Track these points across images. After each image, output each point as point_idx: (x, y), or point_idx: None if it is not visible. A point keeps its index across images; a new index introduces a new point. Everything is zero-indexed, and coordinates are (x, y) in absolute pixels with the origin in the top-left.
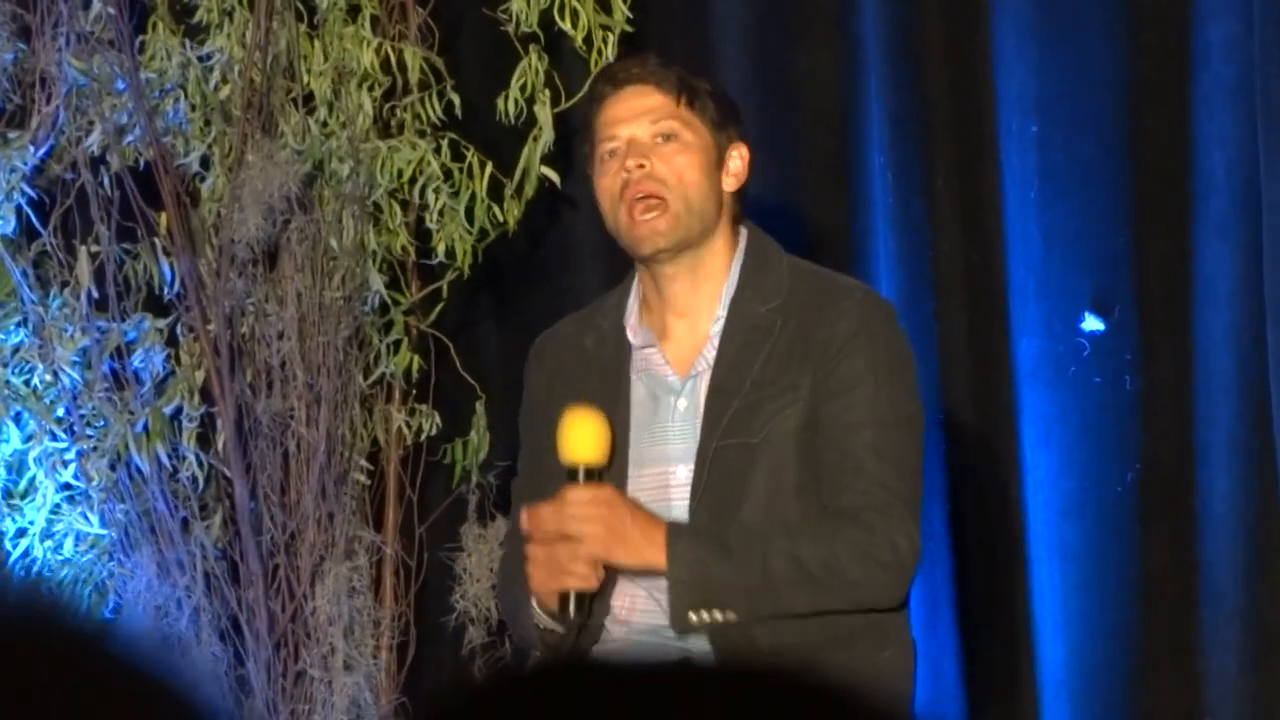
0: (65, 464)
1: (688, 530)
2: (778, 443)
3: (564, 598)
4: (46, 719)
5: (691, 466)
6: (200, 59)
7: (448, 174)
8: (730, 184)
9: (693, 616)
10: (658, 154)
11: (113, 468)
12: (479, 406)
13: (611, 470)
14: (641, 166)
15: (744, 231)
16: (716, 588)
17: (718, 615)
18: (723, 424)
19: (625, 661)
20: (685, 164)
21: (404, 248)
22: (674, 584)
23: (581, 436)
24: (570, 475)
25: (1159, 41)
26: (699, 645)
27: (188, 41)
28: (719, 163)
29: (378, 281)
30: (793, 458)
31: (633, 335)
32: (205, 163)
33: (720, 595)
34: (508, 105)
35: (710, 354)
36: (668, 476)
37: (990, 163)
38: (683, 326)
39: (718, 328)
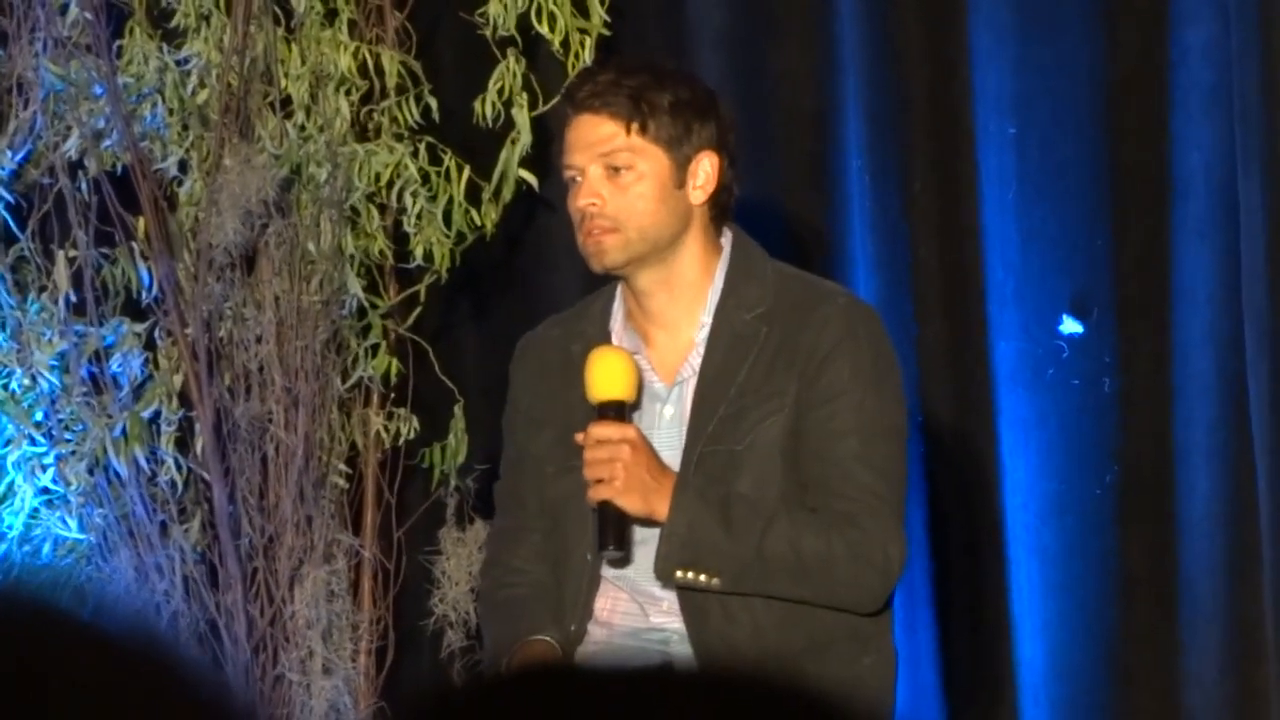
0: (43, 468)
1: (695, 487)
2: (763, 450)
3: (602, 515)
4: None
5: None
6: (177, 63)
7: (425, 177)
8: (698, 196)
9: (679, 574)
10: (610, 187)
11: (91, 472)
12: (457, 410)
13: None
14: (594, 205)
15: (729, 235)
16: (708, 551)
17: (702, 578)
18: (708, 431)
19: (606, 665)
20: (636, 195)
21: (382, 251)
22: (669, 536)
23: (607, 373)
24: (599, 412)
25: (1136, 43)
26: (681, 650)
27: (165, 46)
28: (680, 180)
29: (355, 285)
30: (778, 465)
31: (618, 341)
32: (183, 167)
33: (710, 559)
34: (485, 108)
35: (696, 361)
36: None
37: (968, 164)
38: (665, 335)
39: (703, 335)
